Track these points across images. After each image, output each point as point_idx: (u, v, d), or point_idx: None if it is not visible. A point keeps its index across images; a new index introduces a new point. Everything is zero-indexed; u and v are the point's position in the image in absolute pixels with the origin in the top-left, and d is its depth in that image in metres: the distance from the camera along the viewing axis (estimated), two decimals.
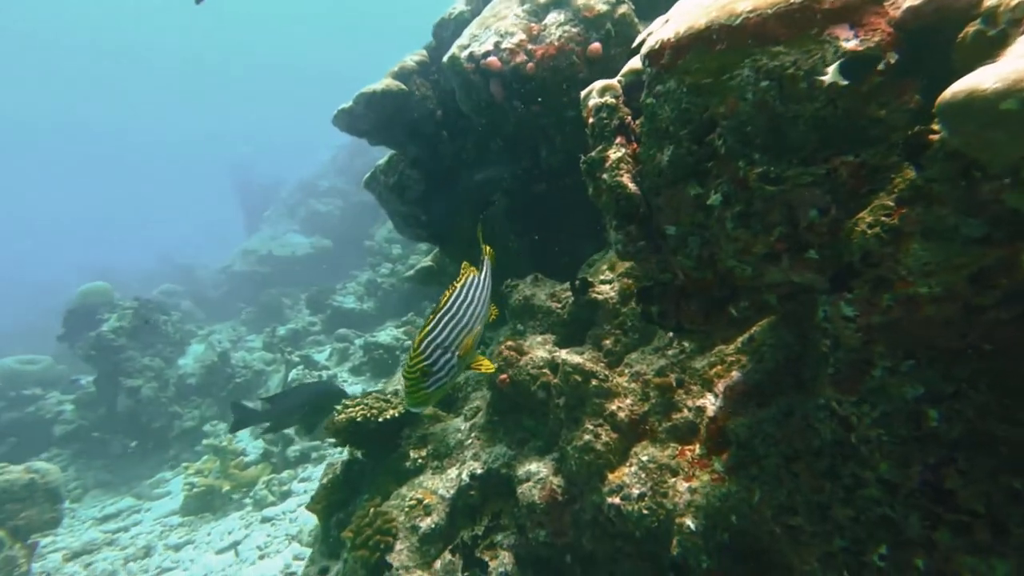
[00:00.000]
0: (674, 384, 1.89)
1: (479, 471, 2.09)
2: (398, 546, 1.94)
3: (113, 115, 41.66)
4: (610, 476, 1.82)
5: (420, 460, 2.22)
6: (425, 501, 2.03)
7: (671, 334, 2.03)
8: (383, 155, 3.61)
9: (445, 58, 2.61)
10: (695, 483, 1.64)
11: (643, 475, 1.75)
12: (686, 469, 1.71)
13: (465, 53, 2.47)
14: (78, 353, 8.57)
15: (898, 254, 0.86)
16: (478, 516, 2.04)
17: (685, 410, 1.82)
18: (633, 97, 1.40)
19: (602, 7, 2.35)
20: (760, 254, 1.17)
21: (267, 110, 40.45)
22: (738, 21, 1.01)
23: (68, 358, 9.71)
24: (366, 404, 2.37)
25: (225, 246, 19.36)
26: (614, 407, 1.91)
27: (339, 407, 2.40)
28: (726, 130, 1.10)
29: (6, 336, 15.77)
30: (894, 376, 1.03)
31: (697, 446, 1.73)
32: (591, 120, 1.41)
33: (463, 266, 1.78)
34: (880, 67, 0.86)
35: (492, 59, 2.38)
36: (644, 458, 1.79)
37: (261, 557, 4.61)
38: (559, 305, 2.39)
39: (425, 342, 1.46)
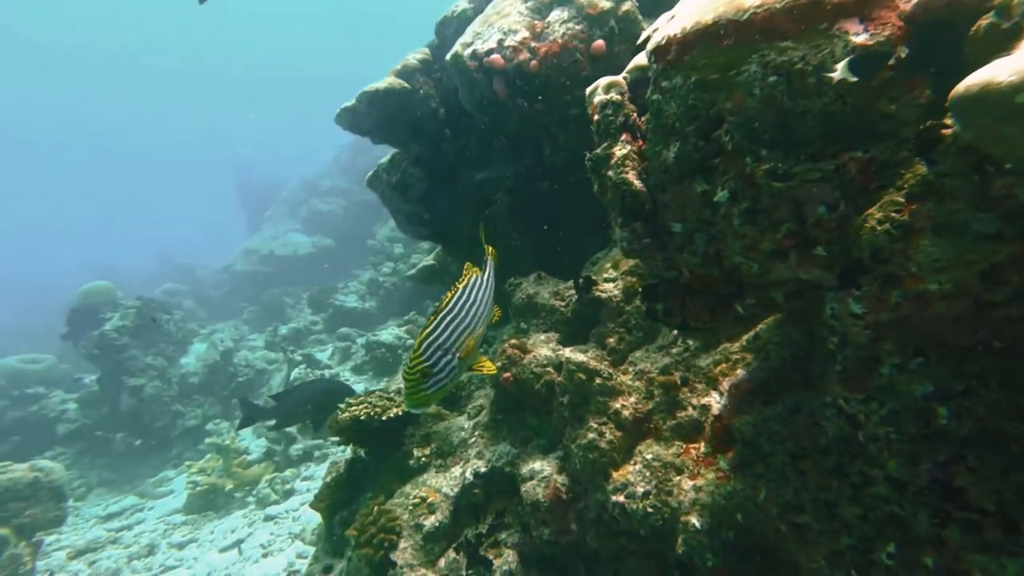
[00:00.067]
0: (679, 382, 1.88)
1: (483, 469, 2.08)
2: (402, 544, 1.94)
3: (114, 115, 41.76)
4: (614, 474, 1.82)
5: (424, 458, 2.22)
6: (429, 499, 2.03)
7: (675, 332, 2.02)
8: (385, 154, 3.60)
9: (448, 56, 2.60)
10: (700, 481, 1.64)
11: (648, 473, 1.74)
12: (691, 467, 1.71)
13: (468, 51, 2.47)
14: (81, 352, 8.59)
15: (908, 250, 0.85)
16: (482, 514, 2.04)
17: (690, 408, 1.81)
18: (638, 94, 1.40)
19: (606, 4, 2.34)
20: (767, 251, 1.16)
21: (269, 109, 40.50)
22: (746, 16, 1.00)
23: (71, 357, 9.75)
24: (369, 403, 2.37)
25: (226, 246, 19.40)
26: (618, 405, 1.90)
27: (343, 405, 2.40)
28: (733, 126, 1.10)
29: (8, 336, 15.83)
30: (903, 373, 1.03)
31: (702, 444, 1.73)
32: (596, 117, 1.41)
33: (466, 267, 1.77)
34: (890, 62, 0.85)
35: (495, 57, 2.37)
36: (649, 456, 1.78)
37: (264, 555, 4.62)
38: (562, 303, 2.39)
39: (425, 343, 1.45)
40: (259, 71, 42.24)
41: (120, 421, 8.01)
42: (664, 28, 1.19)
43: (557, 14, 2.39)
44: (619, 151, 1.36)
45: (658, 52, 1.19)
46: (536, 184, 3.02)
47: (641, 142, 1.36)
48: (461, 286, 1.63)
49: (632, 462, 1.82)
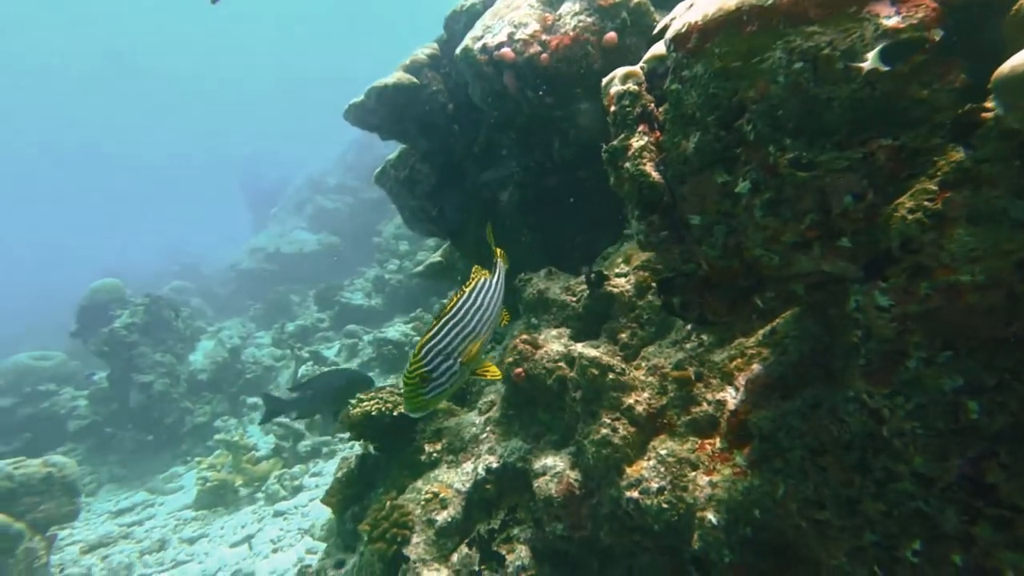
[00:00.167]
0: (693, 377, 1.86)
1: (495, 465, 2.08)
2: (414, 539, 1.94)
3: (118, 116, 42.04)
4: (628, 470, 1.80)
5: (435, 454, 2.21)
6: (441, 495, 2.03)
7: (689, 327, 2.00)
8: (392, 151, 3.60)
9: (458, 50, 2.58)
10: (716, 477, 1.62)
11: (662, 469, 1.73)
12: (706, 463, 1.69)
13: (478, 45, 2.45)
14: (91, 349, 8.67)
15: (941, 240, 0.83)
16: (494, 510, 2.04)
17: (704, 404, 1.79)
18: (656, 84, 1.38)
19: None
20: (789, 242, 1.14)
21: (273, 108, 40.60)
22: (770, 1, 0.98)
23: (81, 354, 9.84)
24: (380, 398, 2.37)
25: (232, 244, 19.51)
26: (631, 401, 1.89)
27: (354, 401, 2.40)
28: (756, 115, 1.08)
29: (18, 333, 16.01)
30: (930, 367, 1.00)
31: (717, 440, 1.71)
32: (613, 108, 1.39)
33: (474, 269, 1.74)
34: (924, 47, 0.83)
35: (506, 50, 2.35)
36: (663, 452, 1.77)
37: (274, 551, 4.65)
38: (573, 299, 2.37)
39: (426, 348, 1.43)
40: (262, 71, 42.40)
41: (130, 418, 8.09)
42: (684, 16, 1.17)
43: (568, 6, 2.37)
44: (636, 142, 1.34)
45: (678, 40, 1.17)
46: (545, 179, 3.00)
47: (659, 133, 1.34)
48: (467, 289, 1.61)
49: (646, 458, 1.80)
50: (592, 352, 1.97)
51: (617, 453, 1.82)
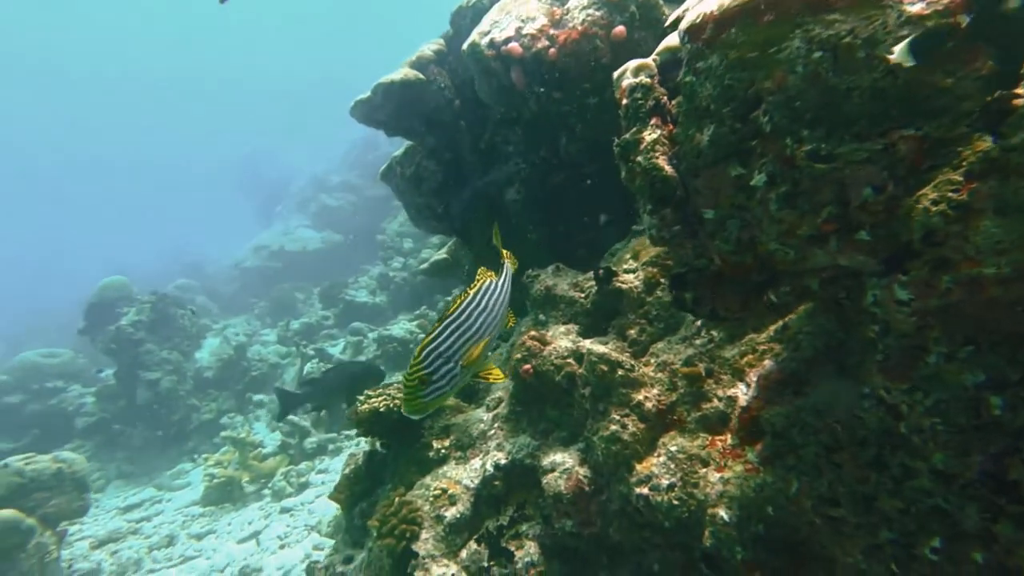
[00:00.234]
0: (703, 374, 1.85)
1: (503, 461, 2.07)
2: (424, 535, 1.94)
3: (122, 117, 42.24)
4: (638, 466, 1.79)
5: (443, 450, 2.21)
6: (450, 491, 2.02)
7: (699, 323, 1.99)
8: (396, 149, 3.59)
9: (465, 45, 2.57)
10: (727, 473, 1.61)
11: (672, 465, 1.72)
12: (717, 459, 1.68)
13: (485, 40, 2.43)
14: (98, 347, 8.74)
15: (966, 232, 0.81)
16: (503, 506, 2.03)
17: (715, 400, 1.78)
18: (669, 77, 1.36)
19: None
20: (805, 236, 1.13)
21: (275, 107, 40.69)
22: None
23: (87, 351, 9.91)
24: (388, 395, 2.37)
25: (236, 242, 19.57)
26: (641, 397, 1.87)
27: (362, 398, 2.40)
28: (772, 106, 1.06)
29: (26, 330, 16.15)
30: (951, 362, 0.99)
31: (729, 436, 1.70)
32: (625, 101, 1.37)
33: (479, 271, 1.72)
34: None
35: (513, 45, 2.33)
36: (673, 448, 1.76)
37: (282, 547, 4.68)
38: (582, 295, 2.36)
39: (426, 350, 1.43)
40: (264, 71, 42.50)
41: (137, 414, 8.14)
42: (698, 6, 1.15)
43: (576, 0, 2.35)
44: (649, 136, 1.32)
45: (692, 31, 1.15)
46: (552, 176, 2.98)
47: (672, 126, 1.32)
48: (472, 291, 1.60)
49: (656, 454, 1.79)
50: (601, 348, 1.96)
51: (627, 449, 1.81)
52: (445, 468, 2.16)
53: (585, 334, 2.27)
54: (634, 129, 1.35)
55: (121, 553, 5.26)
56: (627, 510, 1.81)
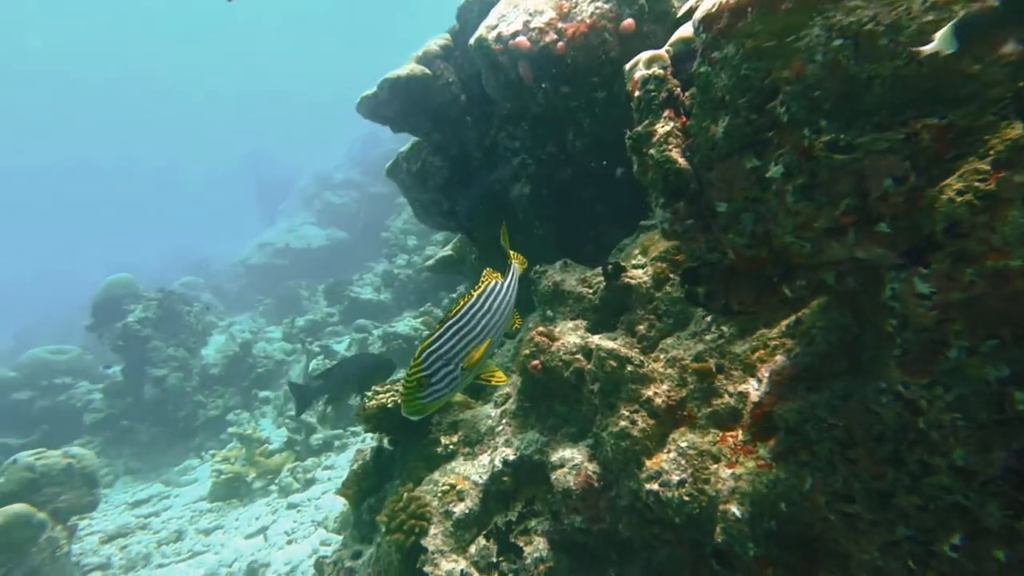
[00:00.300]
0: (713, 369, 1.83)
1: (511, 457, 2.07)
2: (432, 530, 1.94)
3: (127, 118, 42.40)
4: (648, 462, 1.78)
5: (451, 446, 2.21)
6: (458, 487, 2.02)
7: (709, 318, 1.97)
8: (399, 146, 3.58)
9: (472, 40, 2.55)
10: (739, 470, 1.60)
11: (683, 461, 1.71)
12: (728, 455, 1.67)
13: (493, 34, 2.42)
14: (106, 343, 8.80)
15: (993, 222, 0.80)
16: (511, 502, 2.03)
17: (726, 396, 1.77)
18: (682, 68, 1.34)
19: None
20: (822, 228, 1.11)
21: (276, 106, 40.74)
22: None
23: (95, 348, 9.99)
24: (396, 391, 2.37)
25: (241, 240, 19.67)
26: (650, 393, 1.86)
27: (369, 394, 2.40)
28: (790, 96, 1.04)
29: (34, 328, 16.30)
30: (973, 356, 0.97)
31: (740, 432, 1.68)
32: (637, 93, 1.36)
33: (484, 273, 1.70)
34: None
35: (521, 39, 2.32)
36: (683, 444, 1.74)
37: (289, 542, 4.71)
38: (590, 291, 2.35)
39: (426, 352, 1.42)
40: (264, 70, 42.55)
41: (144, 411, 8.21)
42: None
43: None
44: (661, 128, 1.31)
45: (707, 21, 1.13)
46: (559, 171, 2.97)
47: (685, 118, 1.31)
48: (476, 293, 1.58)
49: (666, 450, 1.78)
50: (610, 344, 1.95)
51: (636, 445, 1.80)
52: (453, 464, 2.16)
53: (593, 330, 2.25)
54: (647, 121, 1.33)
55: (130, 548, 5.31)
56: (637, 506, 1.80)
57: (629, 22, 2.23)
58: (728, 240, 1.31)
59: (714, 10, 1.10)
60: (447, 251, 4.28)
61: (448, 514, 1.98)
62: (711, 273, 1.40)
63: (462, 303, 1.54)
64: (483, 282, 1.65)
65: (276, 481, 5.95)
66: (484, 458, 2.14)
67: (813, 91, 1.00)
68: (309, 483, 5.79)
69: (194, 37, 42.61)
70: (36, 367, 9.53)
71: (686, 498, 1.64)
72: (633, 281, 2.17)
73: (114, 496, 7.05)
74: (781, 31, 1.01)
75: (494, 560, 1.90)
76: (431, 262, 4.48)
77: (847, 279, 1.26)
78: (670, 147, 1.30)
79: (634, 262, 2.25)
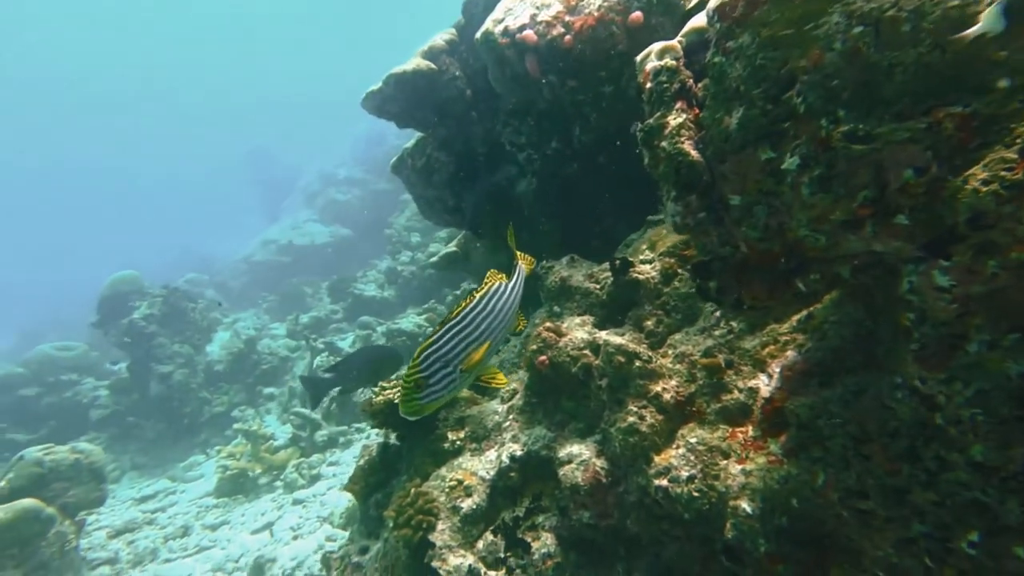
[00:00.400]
0: (723, 365, 1.82)
1: (519, 453, 2.06)
2: (440, 526, 1.94)
3: (126, 117, 42.51)
4: (656, 458, 1.77)
5: (458, 442, 2.21)
6: (465, 482, 2.02)
7: (718, 313, 1.95)
8: (403, 143, 3.56)
9: (478, 34, 2.53)
10: (750, 465, 1.58)
11: (692, 457, 1.70)
12: (739, 451, 1.65)
13: (499, 28, 2.40)
14: (112, 340, 8.85)
15: (1020, 212, 0.78)
16: (519, 498, 2.03)
17: (736, 391, 1.75)
18: (694, 59, 1.32)
19: None
20: (839, 221, 1.09)
21: (277, 105, 40.74)
22: None
23: (101, 344, 10.05)
24: None
25: (244, 237, 19.71)
26: (659, 388, 1.85)
27: (376, 390, 2.40)
28: (807, 86, 1.02)
29: (40, 325, 16.41)
30: (994, 351, 0.95)
31: (750, 428, 1.67)
32: (648, 85, 1.34)
33: (488, 274, 1.69)
34: None
35: (528, 33, 2.30)
36: (692, 440, 1.73)
37: (295, 537, 4.73)
38: (597, 286, 2.33)
39: (425, 354, 1.41)
40: (265, 70, 42.54)
41: (150, 407, 8.25)
42: None
43: None
44: (674, 120, 1.29)
45: (722, 10, 1.11)
46: (565, 166, 2.95)
47: (698, 110, 1.29)
48: (478, 295, 1.56)
49: (675, 446, 1.77)
50: (617, 339, 1.94)
51: (645, 441, 1.79)
52: (460, 459, 2.15)
53: (601, 325, 2.24)
54: (658, 113, 1.32)
55: (138, 543, 5.35)
56: (645, 502, 1.79)
57: (637, 15, 2.21)
58: (741, 233, 1.29)
59: None
60: (451, 248, 4.27)
61: (455, 509, 1.98)
62: (723, 267, 1.38)
63: (464, 304, 1.53)
64: (487, 283, 1.63)
65: (281, 477, 5.97)
66: (491, 454, 2.13)
67: (831, 80, 0.98)
68: (314, 479, 5.81)
69: (195, 37, 42.71)
70: (43, 363, 9.60)
71: (696, 494, 1.63)
72: (641, 276, 2.16)
73: (121, 492, 7.10)
74: (798, 19, 0.99)
75: (502, 555, 1.90)
76: (435, 259, 4.47)
77: (862, 273, 1.25)
78: (682, 139, 1.28)
79: (642, 257, 2.24)
